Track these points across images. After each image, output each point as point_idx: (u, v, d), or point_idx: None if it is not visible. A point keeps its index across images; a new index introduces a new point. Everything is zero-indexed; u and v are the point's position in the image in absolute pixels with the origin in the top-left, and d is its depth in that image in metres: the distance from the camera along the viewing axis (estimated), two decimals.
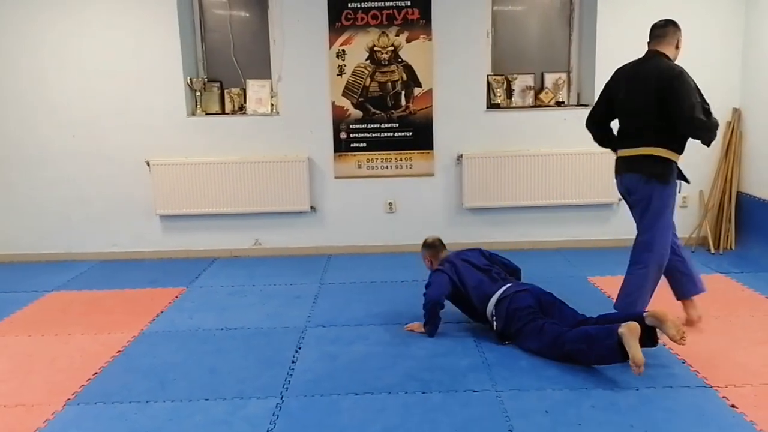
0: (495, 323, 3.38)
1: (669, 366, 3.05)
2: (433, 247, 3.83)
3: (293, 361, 3.22)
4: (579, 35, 5.29)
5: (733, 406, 2.67)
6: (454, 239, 4.53)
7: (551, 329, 3.14)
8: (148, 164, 5.11)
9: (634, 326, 2.81)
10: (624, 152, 3.41)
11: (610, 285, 4.19)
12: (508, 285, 3.44)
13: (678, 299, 3.56)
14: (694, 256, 4.92)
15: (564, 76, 5.28)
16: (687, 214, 5.22)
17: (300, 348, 3.39)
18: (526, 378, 2.96)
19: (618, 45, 4.88)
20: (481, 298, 3.46)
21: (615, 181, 3.53)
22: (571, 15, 5.30)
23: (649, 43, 3.39)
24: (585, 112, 5.04)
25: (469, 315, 3.63)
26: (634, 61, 3.41)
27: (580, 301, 3.93)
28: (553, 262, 4.89)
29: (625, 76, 3.40)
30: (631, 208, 3.49)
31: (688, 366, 3.04)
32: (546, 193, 5.16)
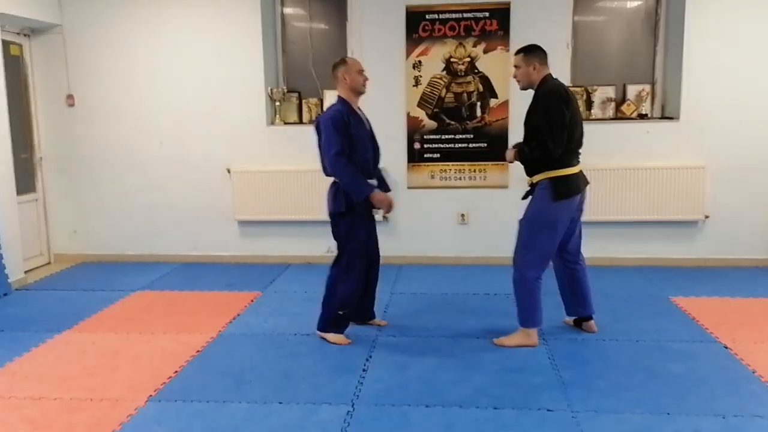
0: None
1: (758, 394, 2.88)
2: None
3: (364, 370, 3.24)
4: (665, 46, 5.09)
5: None
6: None
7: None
8: (228, 171, 5.30)
9: None
10: (579, 168, 3.43)
11: (696, 306, 4.01)
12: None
13: None
14: None
15: (648, 87, 5.10)
16: None
17: (371, 357, 3.41)
18: (604, 399, 2.86)
19: (707, 55, 4.72)
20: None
21: (573, 199, 3.40)
22: (657, 25, 5.12)
23: (544, 66, 3.40)
24: (670, 125, 4.93)
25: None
26: (561, 83, 3.41)
27: (662, 322, 3.80)
28: (632, 280, 4.71)
29: (568, 95, 3.36)
30: (570, 224, 3.47)
31: None
32: (625, 209, 4.98)
